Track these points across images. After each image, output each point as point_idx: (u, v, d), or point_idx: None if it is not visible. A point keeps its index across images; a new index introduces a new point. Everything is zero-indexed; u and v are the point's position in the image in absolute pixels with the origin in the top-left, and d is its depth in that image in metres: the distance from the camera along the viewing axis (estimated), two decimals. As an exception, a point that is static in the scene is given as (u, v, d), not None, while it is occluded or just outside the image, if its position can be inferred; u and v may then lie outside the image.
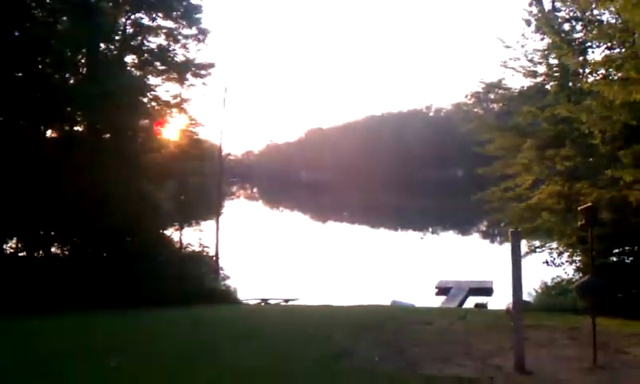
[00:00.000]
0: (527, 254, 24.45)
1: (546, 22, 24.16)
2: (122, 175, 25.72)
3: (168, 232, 31.14)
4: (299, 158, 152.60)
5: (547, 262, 24.62)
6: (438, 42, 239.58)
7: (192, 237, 31.96)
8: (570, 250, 23.09)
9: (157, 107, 31.97)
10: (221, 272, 31.89)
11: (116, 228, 24.72)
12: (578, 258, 22.64)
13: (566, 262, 24.11)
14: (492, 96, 27.37)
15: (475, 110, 37.12)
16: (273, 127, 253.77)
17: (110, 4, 30.79)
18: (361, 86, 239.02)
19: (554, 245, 24.67)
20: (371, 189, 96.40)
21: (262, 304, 28.40)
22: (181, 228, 31.17)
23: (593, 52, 22.41)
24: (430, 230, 54.70)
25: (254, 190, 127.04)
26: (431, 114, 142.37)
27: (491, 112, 33.34)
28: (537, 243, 25.37)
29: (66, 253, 27.03)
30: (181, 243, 31.24)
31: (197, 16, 33.71)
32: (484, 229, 51.12)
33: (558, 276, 23.69)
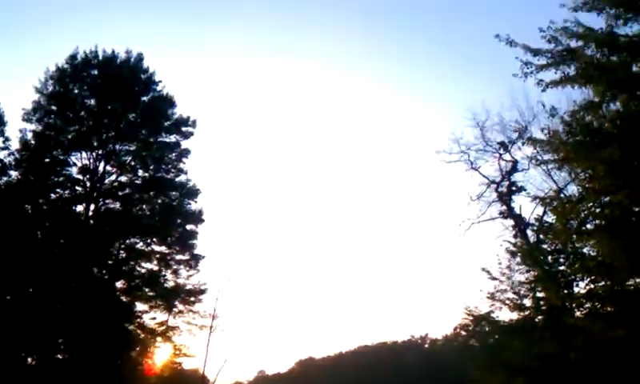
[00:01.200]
0: None
1: (531, 256, 24.58)
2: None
3: None
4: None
5: None
6: (431, 269, 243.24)
7: None
8: None
9: (142, 335, 31.21)
10: None
11: None
12: None
13: None
14: (479, 329, 27.05)
15: (471, 342, 36.35)
16: (263, 356, 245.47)
17: (107, 228, 31.51)
18: (353, 315, 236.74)
19: None
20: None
21: None
22: None
23: (577, 285, 22.51)
24: None
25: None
26: (426, 345, 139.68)
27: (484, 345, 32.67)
28: None
29: None
30: None
31: (191, 242, 34.38)
32: None
33: None
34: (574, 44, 17.99)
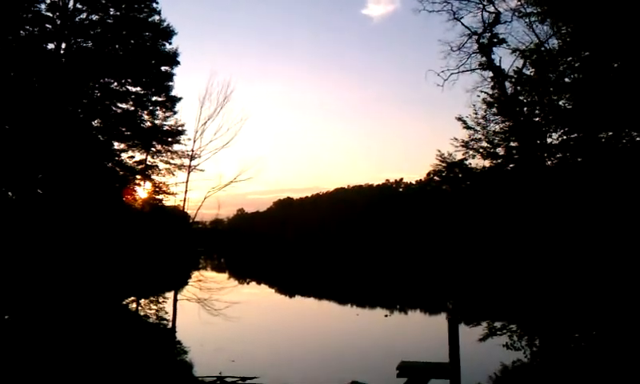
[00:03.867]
0: (487, 336, 24.12)
1: (507, 106, 24.81)
2: (81, 242, 25.10)
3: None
4: (268, 229, 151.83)
5: (507, 345, 24.27)
6: (410, 118, 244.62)
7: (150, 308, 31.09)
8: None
9: (121, 173, 31.74)
10: (178, 346, 30.83)
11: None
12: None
13: (526, 345, 23.82)
14: (452, 175, 27.89)
15: (443, 187, 37.52)
16: (243, 196, 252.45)
17: (80, 67, 30.90)
18: (330, 159, 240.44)
19: (514, 327, 24.42)
20: (340, 261, 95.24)
21: (218, 382, 27.34)
22: (138, 299, 30.32)
23: (550, 136, 23.01)
24: (398, 307, 53.58)
25: (222, 260, 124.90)
26: (400, 189, 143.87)
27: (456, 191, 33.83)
28: (497, 325, 25.08)
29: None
30: (138, 314, 30.25)
31: (167, 83, 34.08)
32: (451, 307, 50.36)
33: (518, 360, 23.30)
34: None
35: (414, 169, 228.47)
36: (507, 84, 28.81)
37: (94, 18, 31.86)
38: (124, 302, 29.83)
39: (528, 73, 25.02)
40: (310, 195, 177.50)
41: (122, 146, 32.81)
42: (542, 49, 23.57)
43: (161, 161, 34.94)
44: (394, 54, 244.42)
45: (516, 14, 27.02)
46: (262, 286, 79.81)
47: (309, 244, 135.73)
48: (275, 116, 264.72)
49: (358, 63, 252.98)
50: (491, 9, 31.76)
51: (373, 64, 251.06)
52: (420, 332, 23.24)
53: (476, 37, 32.05)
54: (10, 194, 28.77)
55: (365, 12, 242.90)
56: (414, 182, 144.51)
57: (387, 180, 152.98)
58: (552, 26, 21.94)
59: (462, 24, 32.75)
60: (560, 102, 21.71)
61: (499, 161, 25.79)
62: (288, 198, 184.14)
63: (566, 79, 19.48)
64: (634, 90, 16.88)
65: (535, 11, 19.23)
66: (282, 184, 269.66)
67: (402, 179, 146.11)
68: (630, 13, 15.98)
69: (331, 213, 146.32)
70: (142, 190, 35.11)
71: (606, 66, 17.36)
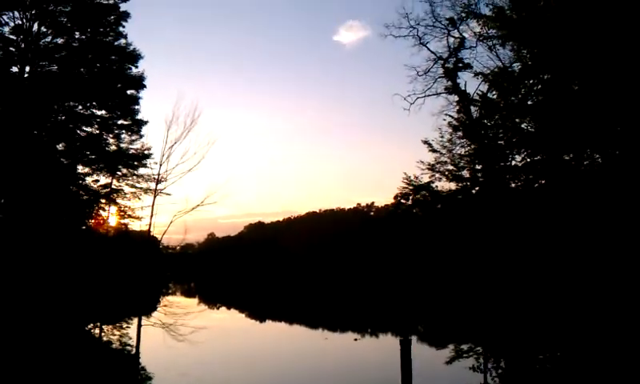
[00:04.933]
0: (454, 358, 24.13)
1: (472, 130, 25.16)
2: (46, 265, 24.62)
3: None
4: (240, 252, 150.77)
5: (473, 368, 24.30)
6: (379, 143, 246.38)
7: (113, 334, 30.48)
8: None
9: (85, 197, 31.30)
10: (142, 372, 30.27)
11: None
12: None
13: (491, 367, 23.87)
14: (420, 197, 28.16)
15: (414, 210, 37.84)
16: (214, 220, 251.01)
17: (45, 90, 30.56)
18: (302, 183, 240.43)
19: (480, 349, 24.47)
20: (313, 285, 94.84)
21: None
22: (101, 325, 29.74)
23: (514, 159, 23.40)
24: (369, 330, 53.32)
25: (192, 284, 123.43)
26: (372, 213, 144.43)
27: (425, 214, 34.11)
28: (464, 347, 25.11)
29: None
30: (101, 339, 29.64)
31: (133, 107, 33.89)
32: (420, 331, 50.55)
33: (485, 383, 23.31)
34: None
35: (385, 193, 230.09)
36: (472, 108, 29.43)
37: (59, 42, 31.62)
38: (86, 328, 29.23)
39: (492, 96, 25.59)
40: (281, 219, 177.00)
41: (87, 169, 32.50)
42: (505, 73, 24.08)
43: (126, 184, 34.75)
44: (364, 79, 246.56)
45: (480, 38, 27.66)
46: (232, 310, 78.95)
47: (281, 268, 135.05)
48: (245, 141, 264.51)
49: (329, 88, 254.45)
50: (456, 34, 32.51)
51: (344, 89, 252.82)
52: (385, 357, 22.99)
53: (442, 61, 32.68)
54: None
55: (337, 38, 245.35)
56: (384, 205, 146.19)
57: (359, 204, 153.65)
58: (513, 50, 22.46)
59: (428, 49, 33.39)
60: (522, 125, 22.14)
61: (465, 184, 26.11)
62: (259, 222, 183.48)
63: (529, 102, 19.87)
64: (593, 111, 17.28)
65: (496, 35, 19.68)
66: (254, 208, 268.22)
67: (372, 203, 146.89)
68: (583, 36, 16.42)
69: (303, 237, 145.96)
70: (108, 214, 34.68)
71: (566, 88, 17.75)
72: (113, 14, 32.85)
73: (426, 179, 29.36)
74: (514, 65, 24.96)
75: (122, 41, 33.55)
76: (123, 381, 25.33)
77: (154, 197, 35.35)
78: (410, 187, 28.47)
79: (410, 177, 29.80)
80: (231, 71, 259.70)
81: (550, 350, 20.93)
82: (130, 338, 30.58)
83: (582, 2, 16.40)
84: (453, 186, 27.37)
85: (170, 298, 79.80)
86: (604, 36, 16.66)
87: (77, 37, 32.09)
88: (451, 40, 32.66)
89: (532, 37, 17.29)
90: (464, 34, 31.99)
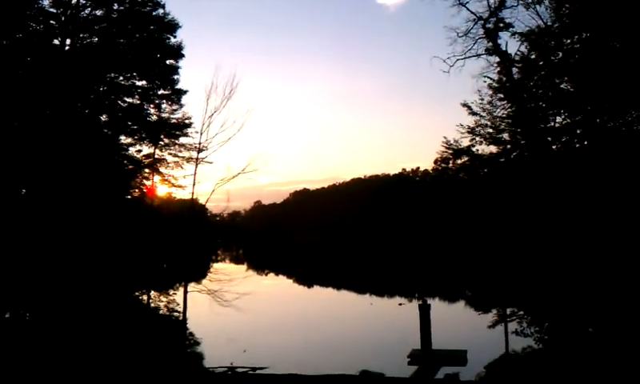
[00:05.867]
0: (497, 322, 23.79)
1: (513, 91, 24.37)
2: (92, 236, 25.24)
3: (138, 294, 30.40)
4: (286, 220, 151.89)
5: (516, 332, 23.92)
6: (421, 106, 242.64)
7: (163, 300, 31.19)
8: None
9: (129, 167, 31.79)
10: (190, 338, 30.97)
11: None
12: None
13: (535, 332, 23.42)
14: (460, 162, 27.55)
15: (460, 175, 37.27)
16: (260, 188, 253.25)
17: (87, 62, 30.86)
18: (346, 150, 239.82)
19: (523, 313, 23.99)
20: (359, 251, 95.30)
21: (229, 373, 27.31)
22: (148, 292, 30.43)
23: (554, 120, 22.56)
24: (415, 295, 53.28)
25: (240, 251, 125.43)
26: (417, 178, 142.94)
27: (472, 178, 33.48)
28: (507, 311, 24.71)
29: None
30: (149, 306, 30.38)
31: (172, 77, 33.96)
32: (468, 295, 50.38)
33: (529, 346, 22.93)
34: None
35: (429, 157, 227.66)
36: (513, 69, 28.34)
37: (99, 13, 31.76)
38: (135, 294, 29.89)
39: (533, 57, 24.56)
40: (327, 186, 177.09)
41: (130, 140, 32.80)
42: (545, 32, 23.04)
43: (169, 154, 34.92)
44: (406, 44, 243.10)
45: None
46: (280, 276, 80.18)
47: (327, 234, 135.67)
48: (286, 109, 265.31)
49: (371, 53, 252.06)
50: (497, -8, 31.14)
51: (386, 54, 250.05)
52: (433, 321, 22.89)
53: (482, 22, 31.39)
54: (23, 191, 29.00)
55: (380, 1, 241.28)
56: (430, 170, 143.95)
57: (404, 169, 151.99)
58: (552, 8, 21.45)
59: (468, 9, 32.09)
60: (562, 85, 21.22)
61: (506, 146, 25.36)
62: (305, 189, 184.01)
63: (570, 61, 19.00)
64: (634, 70, 16.40)
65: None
66: (299, 176, 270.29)
67: (418, 168, 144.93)
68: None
69: (349, 203, 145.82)
70: (153, 184, 35.15)
71: (605, 46, 16.87)
72: (150, -17, 32.66)
73: (465, 143, 28.65)
74: (555, 24, 23.90)
75: (160, 10, 33.41)
76: (170, 346, 25.97)
77: (196, 165, 35.55)
78: (450, 151, 27.84)
79: (449, 141, 29.15)
80: (268, 39, 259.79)
81: (594, 316, 20.34)
82: (178, 304, 31.28)
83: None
84: (493, 149, 26.60)
85: (218, 264, 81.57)
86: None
87: (115, 8, 32.13)
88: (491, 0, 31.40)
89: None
90: (505, -8, 30.65)
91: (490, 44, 30.84)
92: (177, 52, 33.76)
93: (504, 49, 30.46)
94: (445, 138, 30.94)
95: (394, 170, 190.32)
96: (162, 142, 33.85)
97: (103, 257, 26.54)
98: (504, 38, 29.30)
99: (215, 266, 69.51)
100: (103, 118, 31.98)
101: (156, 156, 33.84)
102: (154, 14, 33.23)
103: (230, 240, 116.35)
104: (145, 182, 34.26)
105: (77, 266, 24.99)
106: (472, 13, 31.90)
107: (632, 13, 15.47)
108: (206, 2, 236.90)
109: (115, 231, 28.04)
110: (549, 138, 22.60)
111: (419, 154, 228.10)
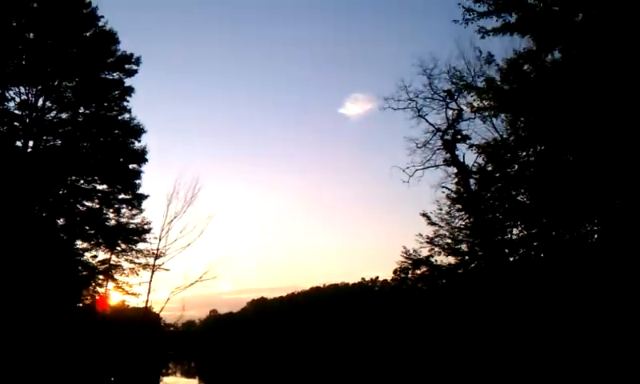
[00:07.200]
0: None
1: (470, 203, 25.12)
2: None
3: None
4: (242, 329, 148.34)
5: None
6: (379, 215, 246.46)
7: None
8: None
9: (83, 272, 31.00)
10: None
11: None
12: None
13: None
14: (419, 272, 27.88)
15: (419, 285, 37.47)
16: (217, 296, 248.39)
17: (48, 165, 30.70)
18: (305, 259, 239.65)
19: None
20: (319, 361, 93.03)
21: None
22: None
23: (511, 232, 23.21)
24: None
25: (192, 364, 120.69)
26: (376, 288, 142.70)
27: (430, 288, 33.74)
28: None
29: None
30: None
31: (134, 181, 33.95)
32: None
33: None
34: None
35: (389, 266, 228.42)
36: (471, 180, 29.29)
37: (64, 116, 32.01)
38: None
39: (489, 168, 25.58)
40: (285, 295, 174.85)
41: (86, 244, 32.20)
42: (500, 144, 24.12)
43: (125, 260, 34.30)
44: (367, 152, 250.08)
45: (476, 110, 27.75)
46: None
47: (285, 344, 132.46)
48: (245, 216, 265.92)
49: (333, 162, 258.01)
50: (454, 106, 32.61)
51: (348, 163, 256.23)
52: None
53: (440, 133, 32.65)
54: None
55: (342, 111, 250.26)
56: (389, 280, 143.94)
57: (363, 278, 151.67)
58: (507, 122, 22.59)
59: (427, 121, 33.39)
60: (519, 197, 22.04)
61: (464, 258, 25.83)
62: (262, 298, 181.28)
63: (526, 173, 19.90)
64: (588, 183, 17.23)
65: (490, 106, 19.91)
66: (258, 283, 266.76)
67: (377, 277, 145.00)
68: (574, 107, 16.56)
69: (307, 313, 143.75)
70: (106, 291, 34.21)
71: (559, 159, 17.78)
72: (118, 88, 33.31)
73: (425, 253, 29.06)
74: (511, 137, 25.10)
75: (126, 115, 33.78)
76: None
77: (152, 272, 34.91)
78: (409, 261, 28.18)
79: (409, 250, 29.55)
80: (232, 146, 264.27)
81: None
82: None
83: (569, 75, 16.67)
84: (452, 259, 27.07)
85: (169, 378, 78.06)
86: (595, 108, 16.81)
87: (81, 111, 32.46)
88: (449, 112, 32.79)
89: (523, 108, 17.45)
90: (462, 106, 32.16)
91: (449, 155, 31.96)
92: (140, 156, 33.87)
93: (462, 160, 31.63)
94: (404, 247, 31.42)
95: (353, 279, 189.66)
96: (118, 248, 33.35)
97: (47, 370, 25.30)
98: (462, 149, 30.36)
99: (166, 379, 66.77)
100: (60, 221, 31.47)
101: (112, 262, 33.23)
102: (119, 118, 33.59)
103: (182, 352, 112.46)
104: (98, 289, 33.42)
105: (22, 375, 23.72)
106: (431, 124, 33.23)
107: (583, 126, 16.43)
108: (173, 106, 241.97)
109: (62, 342, 26.87)
110: (506, 250, 23.13)
111: (378, 262, 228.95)
